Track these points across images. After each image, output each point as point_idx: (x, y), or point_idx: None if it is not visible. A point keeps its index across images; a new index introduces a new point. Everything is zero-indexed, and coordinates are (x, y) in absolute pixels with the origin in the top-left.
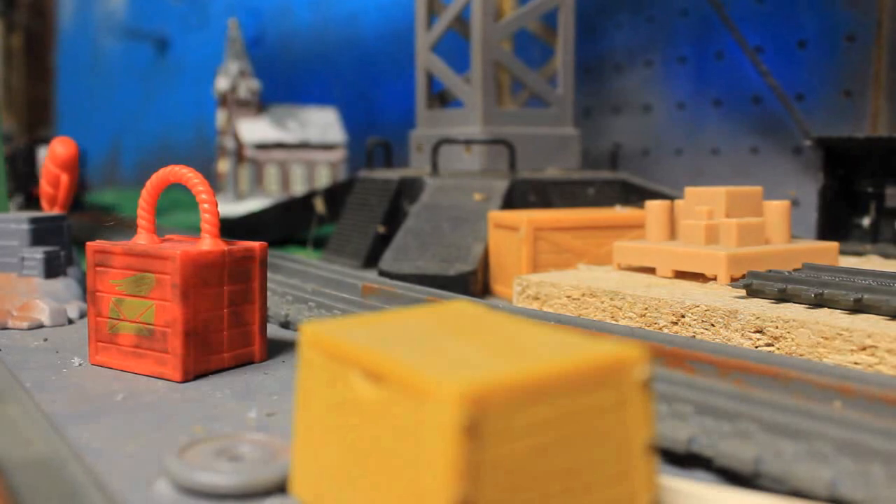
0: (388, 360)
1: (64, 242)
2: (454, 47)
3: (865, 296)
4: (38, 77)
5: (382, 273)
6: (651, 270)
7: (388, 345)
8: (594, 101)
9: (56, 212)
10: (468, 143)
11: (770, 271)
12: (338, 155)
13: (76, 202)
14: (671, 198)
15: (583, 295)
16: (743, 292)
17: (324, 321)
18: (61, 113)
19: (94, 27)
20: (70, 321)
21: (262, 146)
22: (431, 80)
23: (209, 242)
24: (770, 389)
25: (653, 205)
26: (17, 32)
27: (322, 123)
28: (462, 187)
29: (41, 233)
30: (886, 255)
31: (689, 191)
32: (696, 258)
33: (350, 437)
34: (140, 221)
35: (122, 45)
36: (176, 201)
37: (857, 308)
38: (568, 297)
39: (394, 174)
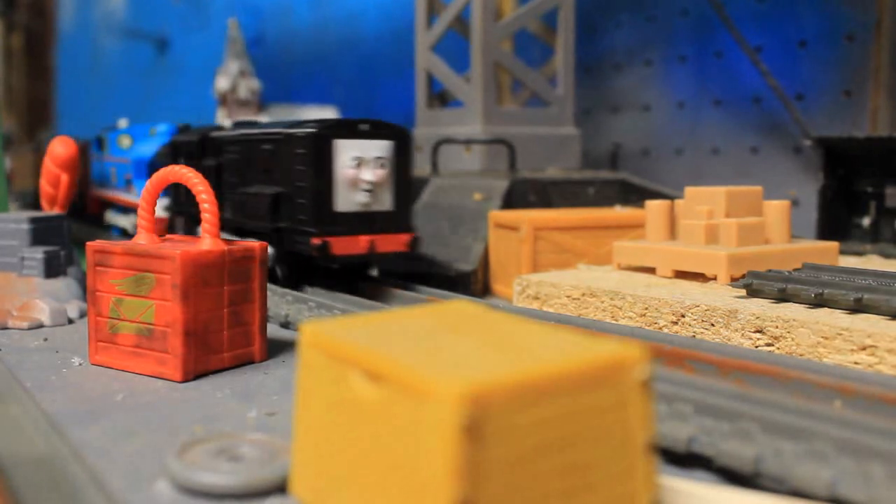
0: (387, 360)
1: (64, 242)
2: (454, 47)
3: (865, 296)
4: (38, 77)
5: (383, 273)
6: (651, 270)
7: (388, 345)
8: (594, 101)
9: (56, 211)
10: (468, 142)
11: (770, 271)
12: None
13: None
14: (671, 198)
15: (583, 295)
16: (743, 292)
17: (324, 321)
18: (61, 113)
19: (94, 27)
20: (70, 321)
21: None
22: (431, 80)
23: (209, 242)
24: (770, 389)
25: (653, 205)
26: (17, 32)
27: None
28: (462, 187)
29: (41, 233)
30: (886, 255)
31: (689, 191)
32: (696, 258)
33: (350, 436)
34: (140, 221)
35: (122, 45)
36: None
37: (857, 308)
38: (568, 297)
39: None
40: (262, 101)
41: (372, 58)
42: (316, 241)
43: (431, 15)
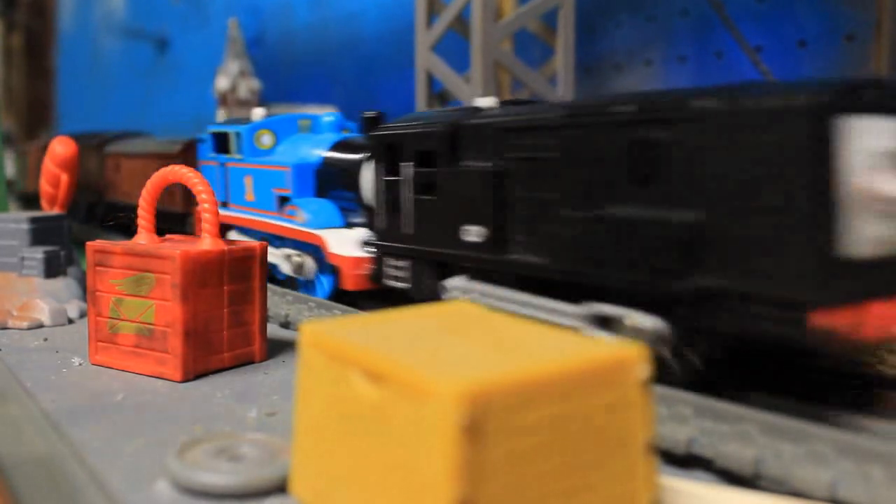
0: (387, 360)
1: (64, 242)
2: (454, 47)
3: None
4: (38, 77)
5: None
6: None
7: (388, 345)
8: None
9: (56, 211)
10: None
11: None
12: None
13: None
14: None
15: None
16: None
17: (324, 321)
18: (61, 113)
19: (94, 27)
20: (70, 321)
21: None
22: (431, 79)
23: (209, 242)
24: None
25: None
26: (17, 32)
27: None
28: None
29: (41, 233)
30: None
31: None
32: None
33: (350, 436)
34: (140, 221)
35: (122, 45)
36: None
37: None
38: None
39: None
40: (262, 101)
41: (372, 58)
42: (822, 317)
43: (431, 15)
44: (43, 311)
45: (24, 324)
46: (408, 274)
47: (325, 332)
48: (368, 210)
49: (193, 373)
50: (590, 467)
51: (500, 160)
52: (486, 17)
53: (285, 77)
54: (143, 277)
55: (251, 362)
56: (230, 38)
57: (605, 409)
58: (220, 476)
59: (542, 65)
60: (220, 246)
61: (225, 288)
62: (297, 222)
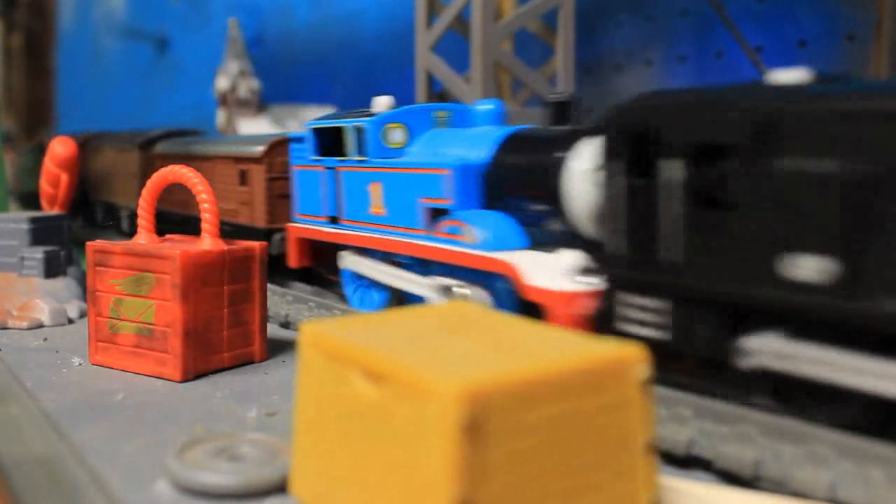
0: (388, 360)
1: (64, 242)
2: (454, 47)
3: None
4: (38, 77)
5: None
6: None
7: (388, 345)
8: (594, 101)
9: (56, 211)
10: None
11: None
12: None
13: None
14: None
15: None
16: None
17: (324, 321)
18: (61, 113)
19: (94, 27)
20: (70, 321)
21: None
22: (431, 80)
23: (209, 242)
24: None
25: None
26: (17, 32)
27: None
28: None
29: (41, 232)
30: None
31: None
32: None
33: (350, 436)
34: (140, 221)
35: (122, 45)
36: None
37: None
38: None
39: None
40: (262, 101)
41: (372, 57)
42: None
43: (431, 15)
44: (43, 311)
45: (24, 324)
46: (666, 319)
47: (325, 332)
48: (572, 227)
49: (193, 373)
50: (590, 467)
51: (856, 163)
52: (486, 17)
53: (285, 77)
54: (143, 277)
55: (251, 362)
56: (230, 38)
57: (605, 409)
58: (220, 476)
59: (542, 65)
60: (220, 246)
61: (225, 288)
62: (465, 243)
